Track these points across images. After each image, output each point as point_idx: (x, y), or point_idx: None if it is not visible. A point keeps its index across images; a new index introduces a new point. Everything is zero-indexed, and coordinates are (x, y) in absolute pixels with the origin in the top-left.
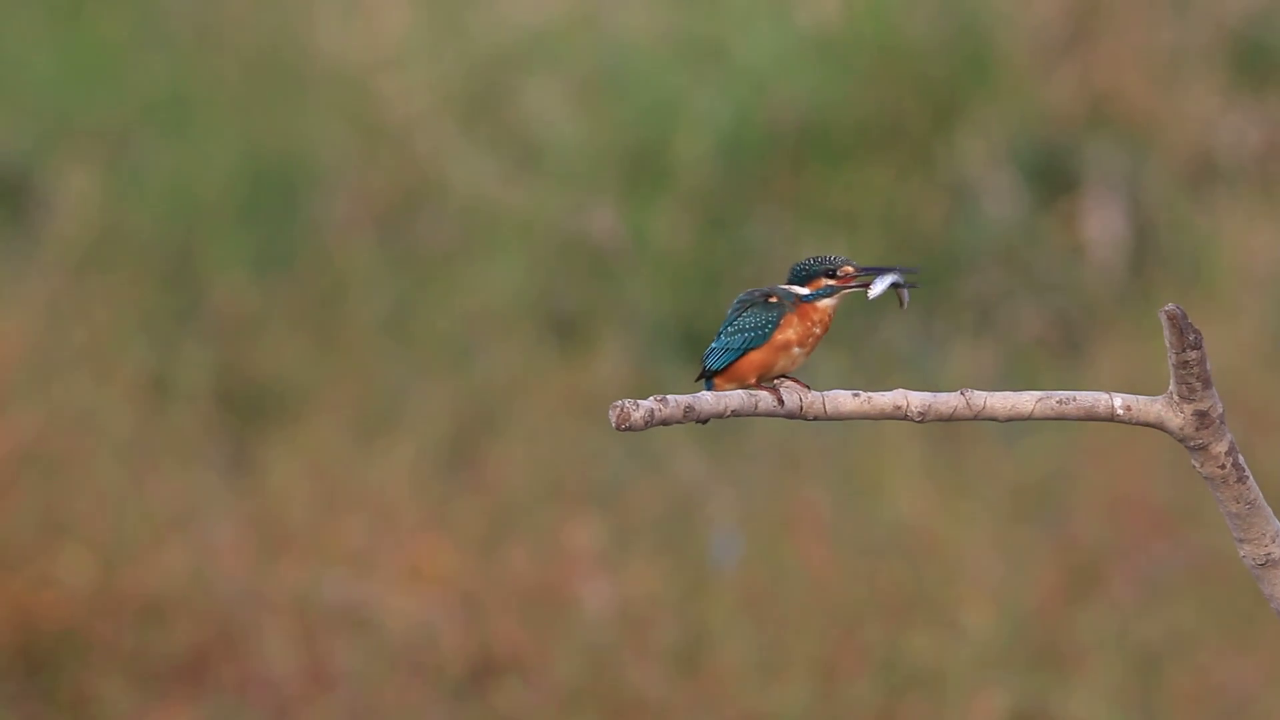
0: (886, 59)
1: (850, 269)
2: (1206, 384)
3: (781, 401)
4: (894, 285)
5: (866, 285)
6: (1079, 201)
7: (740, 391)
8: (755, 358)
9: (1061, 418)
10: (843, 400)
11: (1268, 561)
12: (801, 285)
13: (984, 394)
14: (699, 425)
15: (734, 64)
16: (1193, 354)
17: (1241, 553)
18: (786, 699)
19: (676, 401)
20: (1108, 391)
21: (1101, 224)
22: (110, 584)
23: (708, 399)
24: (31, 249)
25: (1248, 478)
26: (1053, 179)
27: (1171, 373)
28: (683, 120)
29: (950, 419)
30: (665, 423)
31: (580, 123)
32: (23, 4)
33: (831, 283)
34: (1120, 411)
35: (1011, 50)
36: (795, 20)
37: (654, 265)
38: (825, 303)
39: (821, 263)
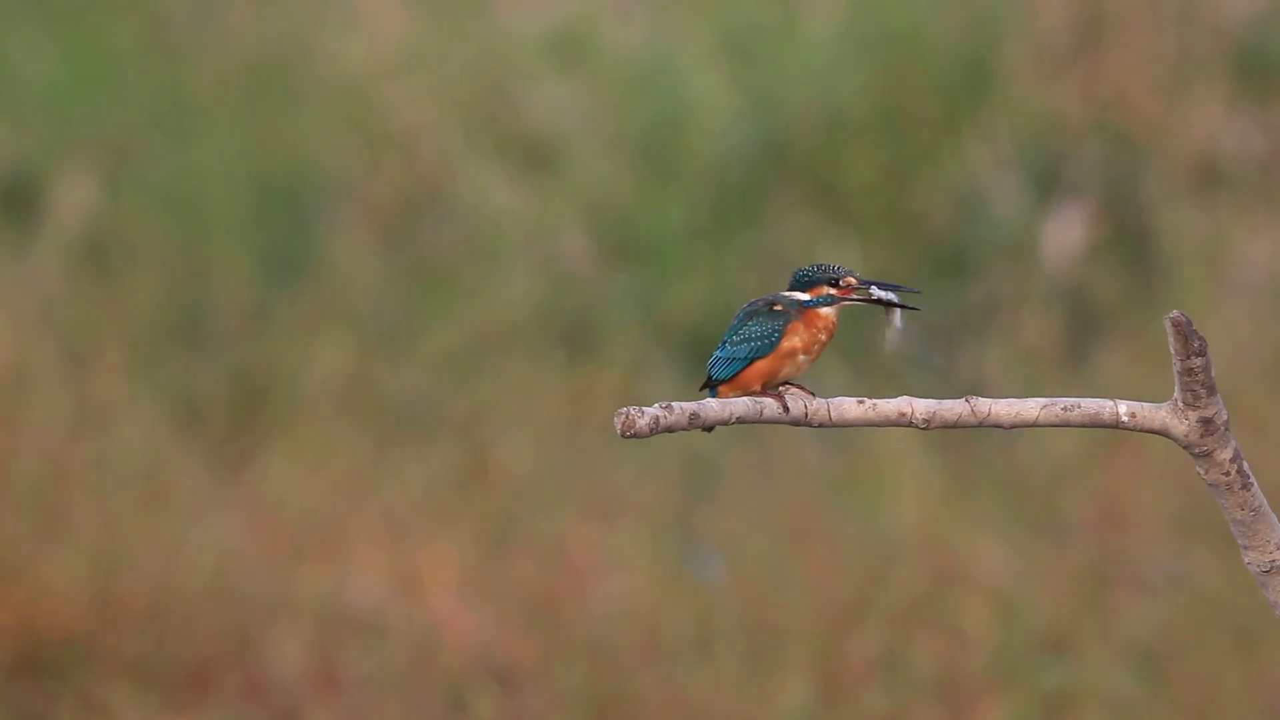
0: (894, 63)
1: (853, 280)
2: (1211, 391)
3: (787, 409)
4: (889, 304)
5: (867, 299)
6: (1084, 207)
7: (746, 398)
8: (761, 366)
9: (1066, 425)
10: (848, 407)
11: (1272, 568)
12: (803, 291)
13: (989, 401)
14: (704, 433)
15: (742, 68)
16: (1197, 361)
17: (1246, 559)
18: (790, 705)
19: (682, 408)
20: (1113, 398)
21: (1105, 230)
22: (112, 591)
23: (713, 406)
24: (35, 256)
25: (1252, 484)
26: (1058, 185)
27: (1176, 380)
28: (690, 125)
29: (955, 426)
30: (670, 430)
31: (586, 128)
32: (26, 11)
33: (833, 292)
34: (1125, 419)
35: (1018, 57)
36: (804, 24)
37: (659, 268)
38: (825, 311)
39: (824, 270)
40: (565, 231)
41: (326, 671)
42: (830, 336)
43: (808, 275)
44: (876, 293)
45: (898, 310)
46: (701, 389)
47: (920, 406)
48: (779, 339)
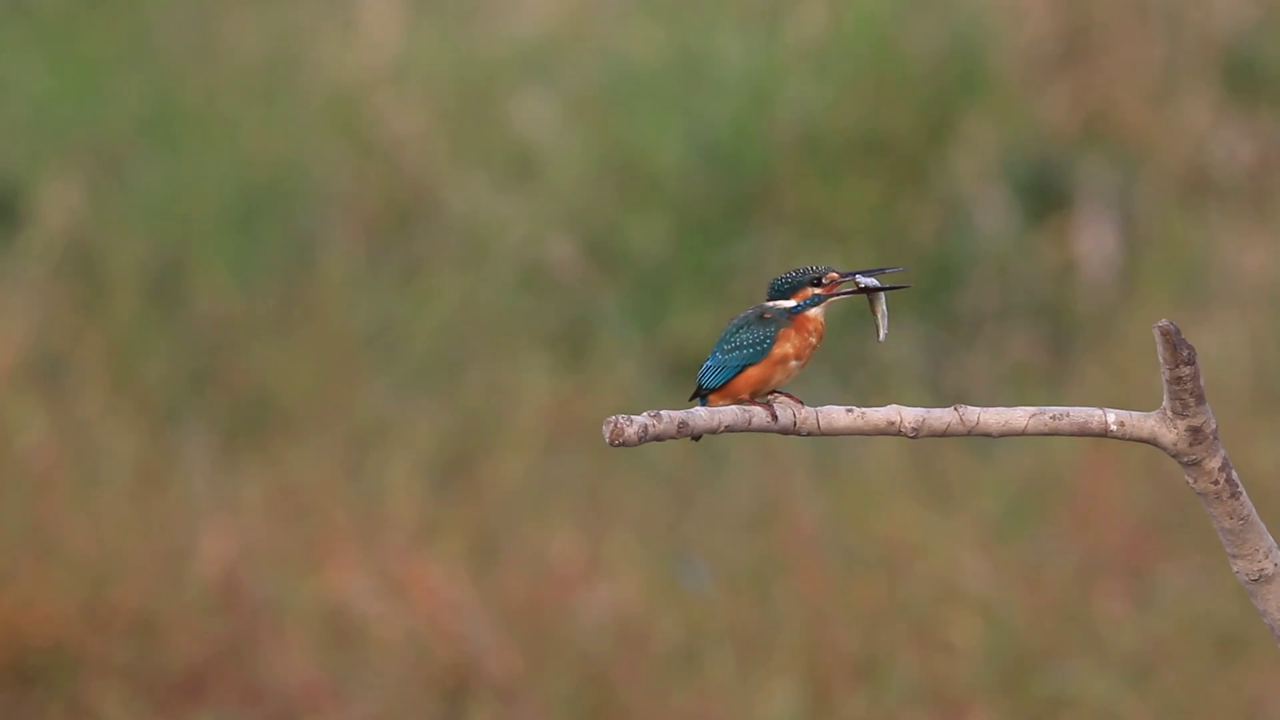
0: (880, 73)
1: (835, 275)
2: (1200, 399)
3: (775, 417)
4: (877, 289)
5: (855, 290)
6: (1071, 217)
7: (734, 407)
8: (753, 373)
9: (1055, 433)
10: (836, 416)
11: (1261, 577)
12: (785, 299)
13: (977, 410)
14: (691, 441)
15: (726, 78)
16: (1186, 370)
17: (1235, 568)
18: (777, 714)
19: (670, 417)
20: (1101, 407)
21: (1093, 240)
22: (100, 599)
23: (701, 414)
24: (20, 264)
25: (1241, 493)
26: (1045, 194)
27: (1165, 388)
28: (674, 135)
29: (944, 435)
30: (659, 438)
31: (572, 137)
32: (12, 20)
33: (819, 291)
34: (1114, 427)
35: (1005, 66)
36: (788, 34)
37: (645, 279)
38: (814, 312)
39: (805, 273)
40: (551, 241)
41: (318, 680)
42: (820, 339)
43: (788, 282)
44: (862, 280)
45: (882, 298)
46: (692, 399)
47: (909, 415)
48: (771, 345)
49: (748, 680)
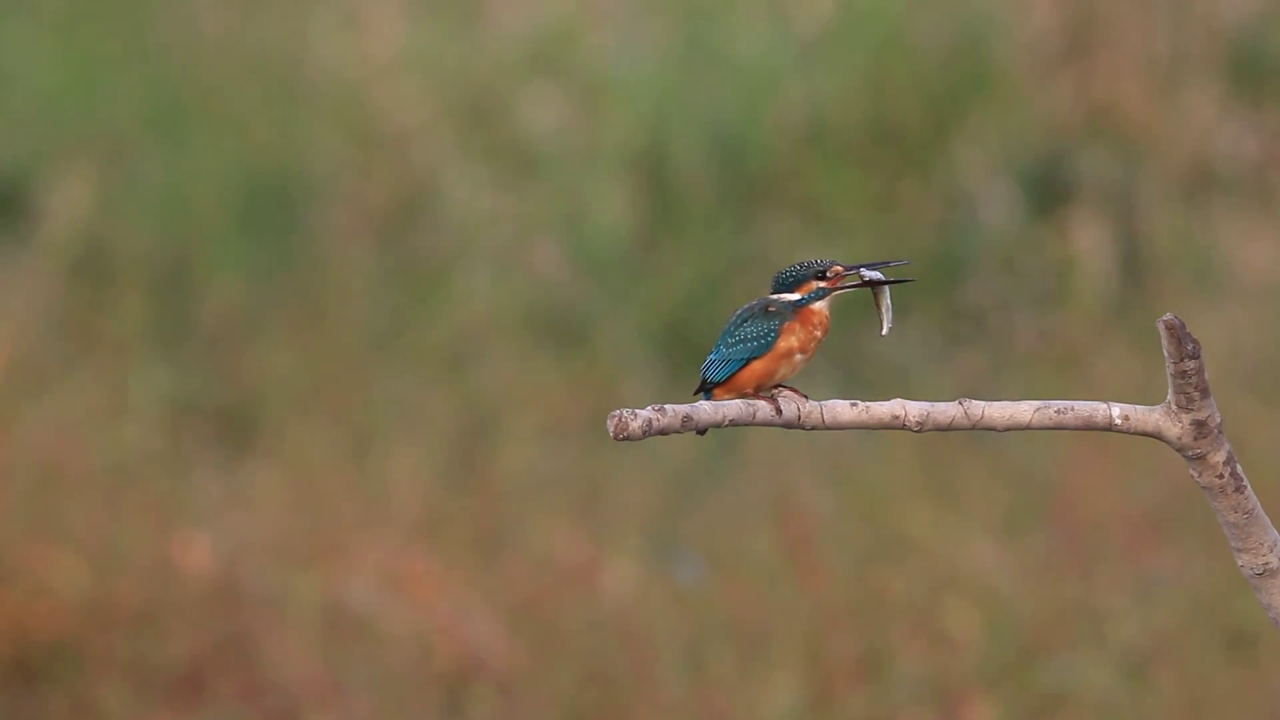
0: (884, 67)
1: (839, 268)
2: (1205, 394)
3: (779, 411)
4: (882, 283)
5: (860, 283)
6: (1075, 211)
7: (738, 401)
8: (758, 367)
9: (1060, 427)
10: (840, 410)
11: (1265, 571)
12: (790, 291)
13: (982, 404)
14: (696, 435)
15: (732, 70)
16: (1191, 364)
17: (1240, 562)
18: (779, 708)
19: (674, 411)
20: (1105, 401)
21: (1097, 233)
22: (106, 594)
23: (705, 409)
24: (26, 259)
25: (1246, 487)
26: (1049, 188)
27: (1170, 382)
28: (680, 127)
29: (948, 429)
30: (663, 432)
31: (577, 130)
32: (19, 14)
33: (823, 285)
34: (1118, 421)
35: (1009, 59)
36: (793, 26)
37: (650, 272)
38: (819, 305)
39: (809, 267)
40: (552, 237)
41: (322, 675)
42: (825, 333)
43: (792, 275)
44: (867, 274)
45: (886, 292)
46: (696, 393)
47: (913, 409)
48: (775, 339)
49: (750, 675)
